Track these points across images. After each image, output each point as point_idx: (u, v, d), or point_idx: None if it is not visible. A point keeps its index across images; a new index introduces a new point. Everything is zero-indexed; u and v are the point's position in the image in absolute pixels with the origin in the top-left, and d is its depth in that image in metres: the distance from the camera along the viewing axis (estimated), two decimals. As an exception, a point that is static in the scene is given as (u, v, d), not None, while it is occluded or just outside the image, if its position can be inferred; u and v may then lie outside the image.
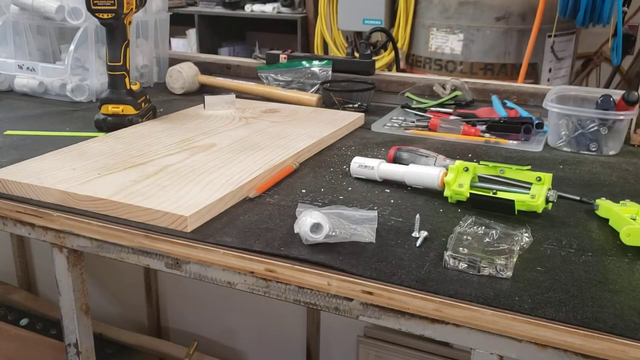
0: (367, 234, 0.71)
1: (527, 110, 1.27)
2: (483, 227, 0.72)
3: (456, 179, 0.83)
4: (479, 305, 0.59)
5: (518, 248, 0.68)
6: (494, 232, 0.70)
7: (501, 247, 0.67)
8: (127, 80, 1.14)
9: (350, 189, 0.89)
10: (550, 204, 0.79)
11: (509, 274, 0.64)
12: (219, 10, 4.03)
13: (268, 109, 1.28)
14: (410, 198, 0.86)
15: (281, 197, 0.85)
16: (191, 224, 0.74)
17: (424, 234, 0.72)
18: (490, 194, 0.80)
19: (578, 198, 0.84)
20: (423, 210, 0.81)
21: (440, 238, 0.73)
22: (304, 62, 1.48)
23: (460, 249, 0.66)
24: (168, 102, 1.39)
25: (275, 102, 1.36)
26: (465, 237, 0.69)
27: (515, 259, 0.66)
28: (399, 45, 2.73)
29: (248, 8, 3.91)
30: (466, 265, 0.65)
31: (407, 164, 0.90)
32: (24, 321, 1.85)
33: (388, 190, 0.88)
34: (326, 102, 1.36)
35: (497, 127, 1.15)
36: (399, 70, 2.29)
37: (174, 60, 1.58)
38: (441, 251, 0.68)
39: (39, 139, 1.10)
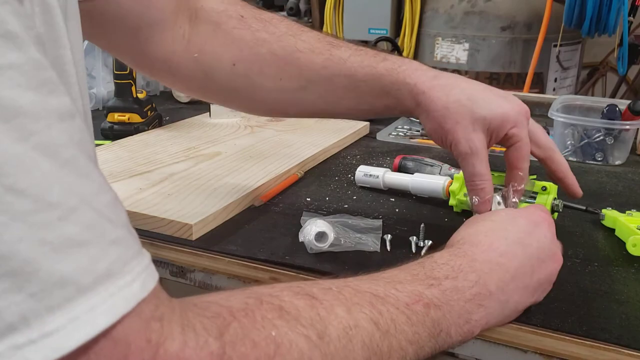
0: (371, 243, 0.71)
1: (533, 119, 1.27)
2: (488, 237, 0.72)
3: (461, 188, 0.82)
4: (484, 315, 0.58)
5: (523, 258, 0.68)
6: (499, 241, 0.70)
7: (506, 257, 0.66)
8: (133, 88, 1.15)
9: (355, 197, 0.89)
10: (556, 214, 0.79)
11: (515, 283, 0.63)
12: (225, 19, 4.04)
13: (273, 117, 1.29)
14: (415, 207, 0.86)
15: (286, 205, 0.85)
16: (196, 232, 0.74)
17: (429, 242, 0.72)
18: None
19: (584, 208, 0.84)
20: (428, 219, 0.81)
21: (445, 247, 0.72)
22: (309, 71, 1.48)
23: (466, 258, 0.66)
24: (174, 111, 1.39)
25: (281, 111, 1.36)
26: (470, 246, 0.69)
27: (520, 269, 0.66)
28: (404, 54, 2.74)
29: (254, 17, 3.93)
30: (471, 274, 0.65)
31: (412, 173, 0.90)
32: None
33: (393, 199, 0.88)
34: (331, 111, 1.36)
35: (503, 136, 1.15)
36: (404, 79, 2.29)
37: (180, 69, 1.58)
38: (446, 260, 0.68)
39: (46, 146, 1.10)
